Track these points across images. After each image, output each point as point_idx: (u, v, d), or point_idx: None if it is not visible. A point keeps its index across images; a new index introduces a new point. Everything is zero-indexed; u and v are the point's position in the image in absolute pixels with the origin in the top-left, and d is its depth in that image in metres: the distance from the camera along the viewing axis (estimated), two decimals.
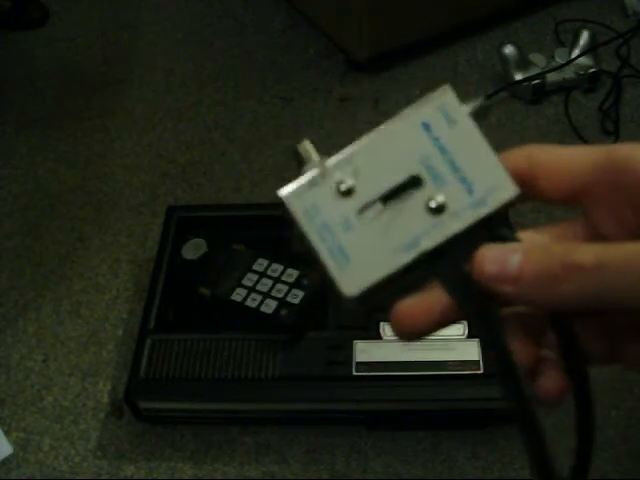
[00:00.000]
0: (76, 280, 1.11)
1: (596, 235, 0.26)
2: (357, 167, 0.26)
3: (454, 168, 0.26)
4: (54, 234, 1.18)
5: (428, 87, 0.25)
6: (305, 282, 0.90)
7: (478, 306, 0.25)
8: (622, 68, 1.36)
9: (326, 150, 0.26)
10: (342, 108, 1.37)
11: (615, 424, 0.89)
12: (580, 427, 0.26)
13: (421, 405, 0.86)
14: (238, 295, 0.90)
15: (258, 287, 0.91)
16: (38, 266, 1.13)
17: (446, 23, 1.43)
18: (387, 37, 1.37)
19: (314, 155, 0.26)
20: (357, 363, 0.85)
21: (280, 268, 0.92)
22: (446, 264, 0.25)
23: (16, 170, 1.29)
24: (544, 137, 1.27)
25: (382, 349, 0.86)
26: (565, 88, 1.33)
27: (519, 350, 0.25)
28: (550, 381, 0.26)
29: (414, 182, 0.26)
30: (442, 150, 0.26)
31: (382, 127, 0.26)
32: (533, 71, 1.32)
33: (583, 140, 1.25)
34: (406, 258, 0.25)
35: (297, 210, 0.26)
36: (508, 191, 0.25)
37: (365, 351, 0.86)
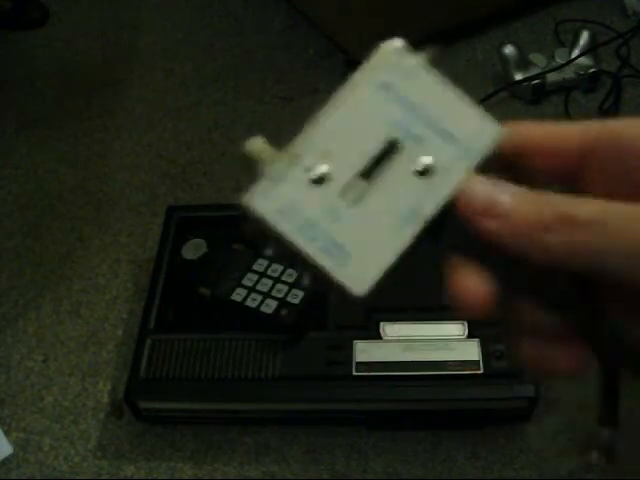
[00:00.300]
0: (76, 280, 1.11)
1: None
2: (324, 148, 0.23)
3: (429, 123, 0.23)
4: (54, 234, 1.18)
5: None
6: (305, 282, 0.90)
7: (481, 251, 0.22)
8: (622, 68, 1.36)
9: None
10: None
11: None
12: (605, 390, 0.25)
13: (421, 405, 0.86)
14: (238, 295, 0.90)
15: (258, 287, 0.91)
16: (38, 266, 1.13)
17: (446, 23, 1.42)
18: (387, 37, 1.37)
19: (269, 149, 0.23)
20: (357, 363, 0.85)
21: (280, 268, 0.92)
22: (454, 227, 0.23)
23: (16, 170, 1.29)
24: None
25: (382, 349, 0.86)
26: (565, 88, 1.33)
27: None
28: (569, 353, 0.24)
29: (392, 148, 0.23)
30: (410, 107, 0.23)
31: (336, 101, 0.23)
32: (533, 71, 1.32)
33: None
34: (411, 231, 0.23)
35: (268, 214, 0.22)
36: (492, 131, 0.23)
37: (365, 351, 0.86)
